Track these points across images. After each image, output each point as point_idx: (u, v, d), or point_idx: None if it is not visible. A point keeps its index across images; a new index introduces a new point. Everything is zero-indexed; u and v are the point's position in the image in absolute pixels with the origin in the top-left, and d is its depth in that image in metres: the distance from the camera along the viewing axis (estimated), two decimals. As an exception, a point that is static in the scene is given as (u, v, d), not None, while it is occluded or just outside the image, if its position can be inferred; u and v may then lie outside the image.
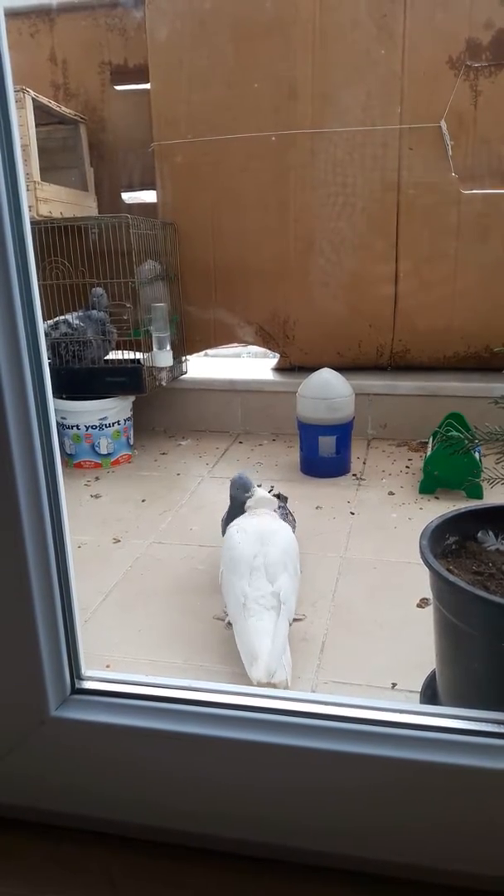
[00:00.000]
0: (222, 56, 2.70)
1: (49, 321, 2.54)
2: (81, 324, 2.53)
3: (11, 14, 2.94)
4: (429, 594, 1.06)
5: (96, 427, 2.50)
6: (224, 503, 1.95)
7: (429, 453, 2.21)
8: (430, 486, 2.16)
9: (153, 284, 2.68)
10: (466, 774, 0.54)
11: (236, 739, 0.58)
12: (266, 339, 2.97)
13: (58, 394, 2.50)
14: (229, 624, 1.43)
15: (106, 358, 2.63)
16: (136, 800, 0.62)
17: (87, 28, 2.92)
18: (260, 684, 1.23)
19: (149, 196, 3.02)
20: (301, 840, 0.59)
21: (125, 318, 2.60)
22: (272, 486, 1.96)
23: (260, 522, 1.52)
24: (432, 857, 0.56)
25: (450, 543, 1.07)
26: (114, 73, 2.96)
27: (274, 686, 1.23)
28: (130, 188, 3.12)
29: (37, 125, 2.57)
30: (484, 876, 0.55)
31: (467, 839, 0.56)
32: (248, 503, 1.60)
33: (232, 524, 1.55)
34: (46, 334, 2.49)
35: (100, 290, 2.57)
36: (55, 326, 2.52)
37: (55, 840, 0.62)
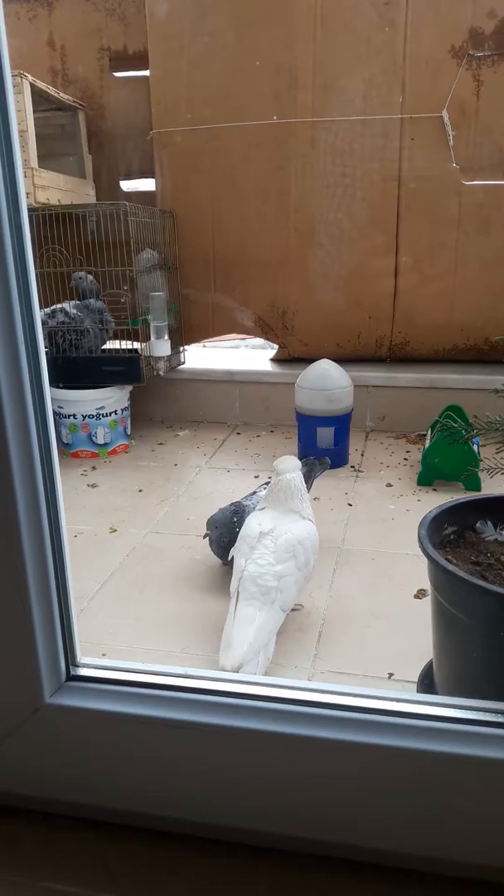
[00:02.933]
0: (223, 43, 2.67)
1: (46, 309, 2.52)
2: (79, 312, 2.51)
3: (10, -2, 2.91)
4: (426, 585, 1.06)
5: (93, 417, 2.50)
6: (220, 494, 1.95)
7: (427, 444, 2.21)
8: (429, 477, 2.16)
9: (151, 273, 2.67)
10: (466, 764, 0.54)
11: (232, 727, 0.58)
12: (265, 330, 2.96)
13: (55, 383, 2.49)
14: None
15: (103, 347, 2.62)
16: (132, 787, 0.62)
17: (86, 13, 2.89)
18: (223, 671, 1.19)
19: (147, 184, 3.00)
20: (299, 828, 0.59)
21: (122, 301, 2.58)
22: (313, 456, 1.91)
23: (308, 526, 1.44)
24: (432, 846, 0.56)
25: (448, 534, 1.07)
26: (113, 59, 2.94)
27: None
28: (129, 176, 3.09)
29: (35, 111, 2.55)
30: (487, 866, 0.55)
31: (467, 829, 0.56)
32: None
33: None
34: (43, 322, 2.48)
35: (81, 273, 2.53)
36: (52, 315, 2.51)
37: (50, 828, 0.62)
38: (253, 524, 1.39)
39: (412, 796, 0.56)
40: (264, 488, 1.74)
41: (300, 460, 1.57)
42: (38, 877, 0.58)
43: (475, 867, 0.56)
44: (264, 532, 1.36)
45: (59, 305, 2.53)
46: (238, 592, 1.30)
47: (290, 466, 1.46)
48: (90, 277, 2.54)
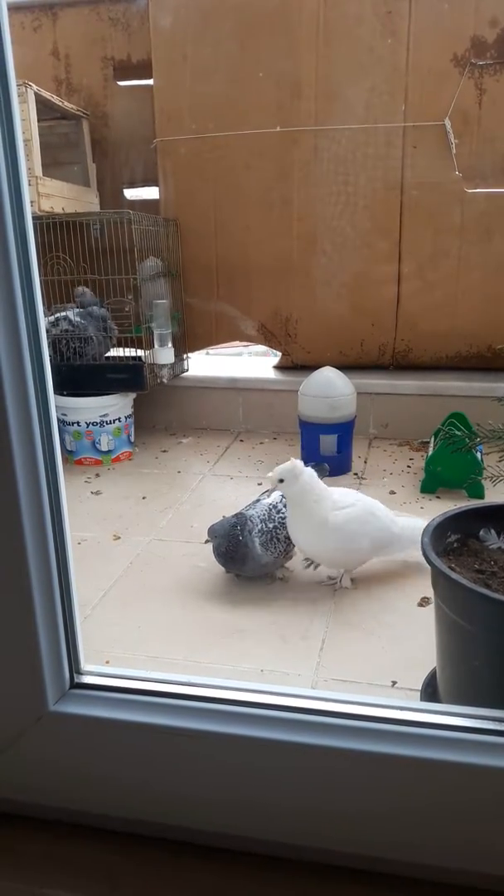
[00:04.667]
0: (226, 52, 2.69)
1: (50, 317, 2.53)
2: (82, 320, 2.52)
3: (14, 8, 2.93)
4: (429, 593, 1.06)
5: (97, 424, 2.50)
6: (224, 501, 1.94)
7: (430, 452, 2.21)
8: (432, 485, 2.16)
9: (155, 281, 2.68)
10: (470, 773, 0.54)
11: (235, 735, 0.58)
12: (268, 338, 2.97)
13: (58, 390, 2.50)
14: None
15: (107, 355, 2.63)
16: (135, 796, 0.62)
17: (89, 22, 2.91)
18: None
19: (151, 192, 3.01)
20: (306, 838, 0.59)
21: (126, 310, 2.59)
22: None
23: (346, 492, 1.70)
24: (437, 855, 0.56)
25: (451, 542, 1.07)
26: (116, 68, 2.96)
27: None
28: (133, 184, 3.11)
29: (39, 120, 2.56)
30: (490, 875, 0.55)
31: (472, 838, 0.55)
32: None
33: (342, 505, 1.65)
34: (47, 331, 2.48)
35: (82, 289, 2.55)
36: (56, 323, 2.52)
37: (53, 836, 0.62)
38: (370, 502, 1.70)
39: (415, 806, 0.56)
40: (267, 496, 1.74)
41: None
42: (41, 885, 0.58)
43: (479, 876, 0.56)
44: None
45: (62, 313, 2.53)
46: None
47: (299, 467, 1.59)
48: (89, 292, 2.55)
